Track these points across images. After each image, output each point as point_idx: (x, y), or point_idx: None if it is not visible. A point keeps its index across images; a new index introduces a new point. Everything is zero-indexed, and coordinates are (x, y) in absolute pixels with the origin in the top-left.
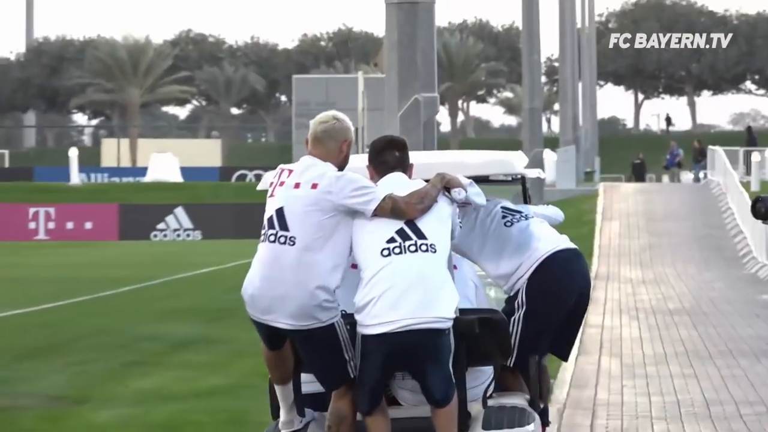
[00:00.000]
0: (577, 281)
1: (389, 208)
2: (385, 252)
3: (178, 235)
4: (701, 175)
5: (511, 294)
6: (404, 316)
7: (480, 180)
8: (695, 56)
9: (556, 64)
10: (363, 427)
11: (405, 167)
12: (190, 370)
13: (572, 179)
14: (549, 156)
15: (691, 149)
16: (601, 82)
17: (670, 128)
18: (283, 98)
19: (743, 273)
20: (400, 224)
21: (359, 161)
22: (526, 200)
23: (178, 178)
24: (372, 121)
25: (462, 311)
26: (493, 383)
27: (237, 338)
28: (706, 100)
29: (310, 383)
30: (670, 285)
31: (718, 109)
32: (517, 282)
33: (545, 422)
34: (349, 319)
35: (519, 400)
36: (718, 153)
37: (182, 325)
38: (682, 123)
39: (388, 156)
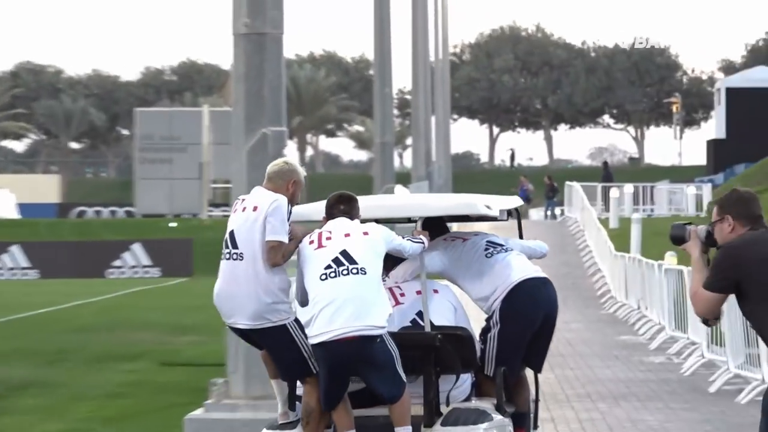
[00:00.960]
0: (542, 304)
1: (280, 249)
2: (323, 276)
3: (14, 275)
4: (557, 211)
5: (489, 314)
6: (339, 327)
7: (459, 219)
8: (551, 88)
9: (409, 97)
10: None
11: (351, 216)
12: (25, 414)
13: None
14: (401, 192)
15: (544, 184)
16: (455, 116)
17: (520, 163)
18: (125, 132)
19: (601, 313)
20: (335, 254)
21: (312, 209)
22: (520, 234)
23: (14, 214)
24: (218, 156)
25: (434, 327)
26: (467, 389)
27: (75, 381)
28: (563, 134)
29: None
30: None
31: (576, 144)
32: (493, 303)
33: (525, 424)
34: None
35: (486, 404)
36: (575, 189)
37: (18, 367)
38: (539, 158)
39: (335, 210)
